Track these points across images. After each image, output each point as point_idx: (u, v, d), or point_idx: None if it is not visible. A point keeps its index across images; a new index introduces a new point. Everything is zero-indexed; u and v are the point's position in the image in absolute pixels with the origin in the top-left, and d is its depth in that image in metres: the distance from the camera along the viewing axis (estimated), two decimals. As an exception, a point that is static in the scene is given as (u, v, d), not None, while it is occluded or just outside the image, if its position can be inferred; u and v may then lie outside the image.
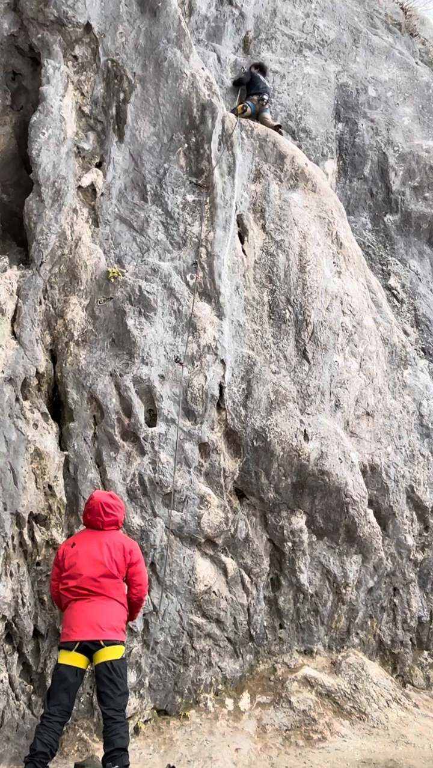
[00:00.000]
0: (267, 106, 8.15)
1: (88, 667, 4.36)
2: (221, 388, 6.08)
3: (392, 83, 9.94)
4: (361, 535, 6.41)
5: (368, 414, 6.98)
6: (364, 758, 5.01)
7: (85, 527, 4.85)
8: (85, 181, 6.35)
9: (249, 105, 7.95)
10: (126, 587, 4.64)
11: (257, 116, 8.10)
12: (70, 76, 6.45)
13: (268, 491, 6.08)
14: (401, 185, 9.30)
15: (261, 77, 8.33)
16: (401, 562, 6.88)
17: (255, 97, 8.06)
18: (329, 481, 6.22)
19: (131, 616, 4.75)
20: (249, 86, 8.23)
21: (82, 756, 4.67)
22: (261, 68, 8.51)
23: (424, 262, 9.12)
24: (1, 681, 4.54)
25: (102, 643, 4.25)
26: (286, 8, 9.39)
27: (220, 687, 5.63)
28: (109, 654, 4.26)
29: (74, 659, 4.24)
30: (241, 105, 7.84)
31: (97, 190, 6.39)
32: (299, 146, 8.46)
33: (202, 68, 7.29)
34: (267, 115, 8.15)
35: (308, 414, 6.39)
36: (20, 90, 6.67)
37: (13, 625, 4.75)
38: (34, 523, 5.11)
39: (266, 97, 8.09)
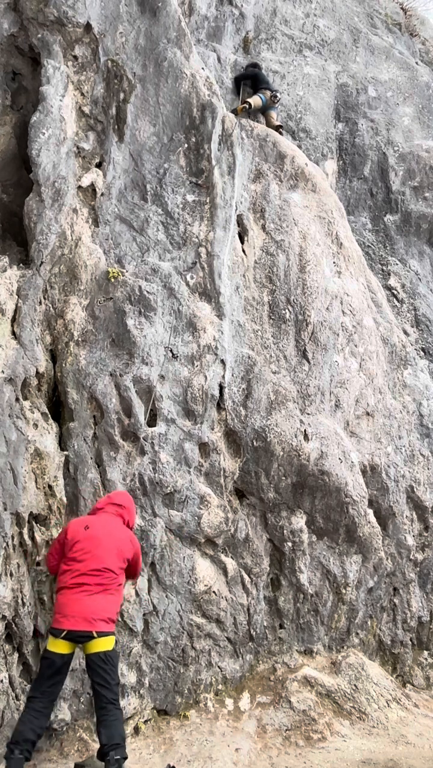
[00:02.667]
0: (276, 105, 8.09)
1: (76, 650, 4.41)
2: (221, 388, 6.08)
3: (392, 83, 9.94)
4: (361, 535, 6.41)
5: (368, 414, 6.98)
6: (364, 758, 5.01)
7: (96, 512, 4.92)
8: (85, 181, 6.35)
9: (261, 97, 7.89)
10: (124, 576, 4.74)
11: (263, 111, 8.03)
12: (70, 76, 6.45)
13: (268, 491, 6.08)
14: (401, 185, 9.30)
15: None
16: (401, 562, 6.87)
17: (268, 93, 7.97)
18: (329, 481, 6.22)
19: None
20: (255, 81, 8.16)
21: (82, 756, 4.67)
22: (258, 68, 8.48)
23: (424, 262, 9.12)
24: (1, 681, 4.54)
25: (95, 634, 4.30)
26: (286, 8, 9.38)
27: (220, 687, 5.63)
28: (102, 645, 4.31)
29: (61, 646, 4.30)
30: (242, 105, 7.77)
31: (97, 190, 6.38)
32: (299, 146, 8.45)
33: (202, 68, 7.28)
34: (273, 113, 8.09)
35: (308, 414, 6.39)
36: (20, 90, 6.67)
37: (13, 625, 4.75)
38: (34, 523, 5.11)
39: (278, 95, 8.03)
